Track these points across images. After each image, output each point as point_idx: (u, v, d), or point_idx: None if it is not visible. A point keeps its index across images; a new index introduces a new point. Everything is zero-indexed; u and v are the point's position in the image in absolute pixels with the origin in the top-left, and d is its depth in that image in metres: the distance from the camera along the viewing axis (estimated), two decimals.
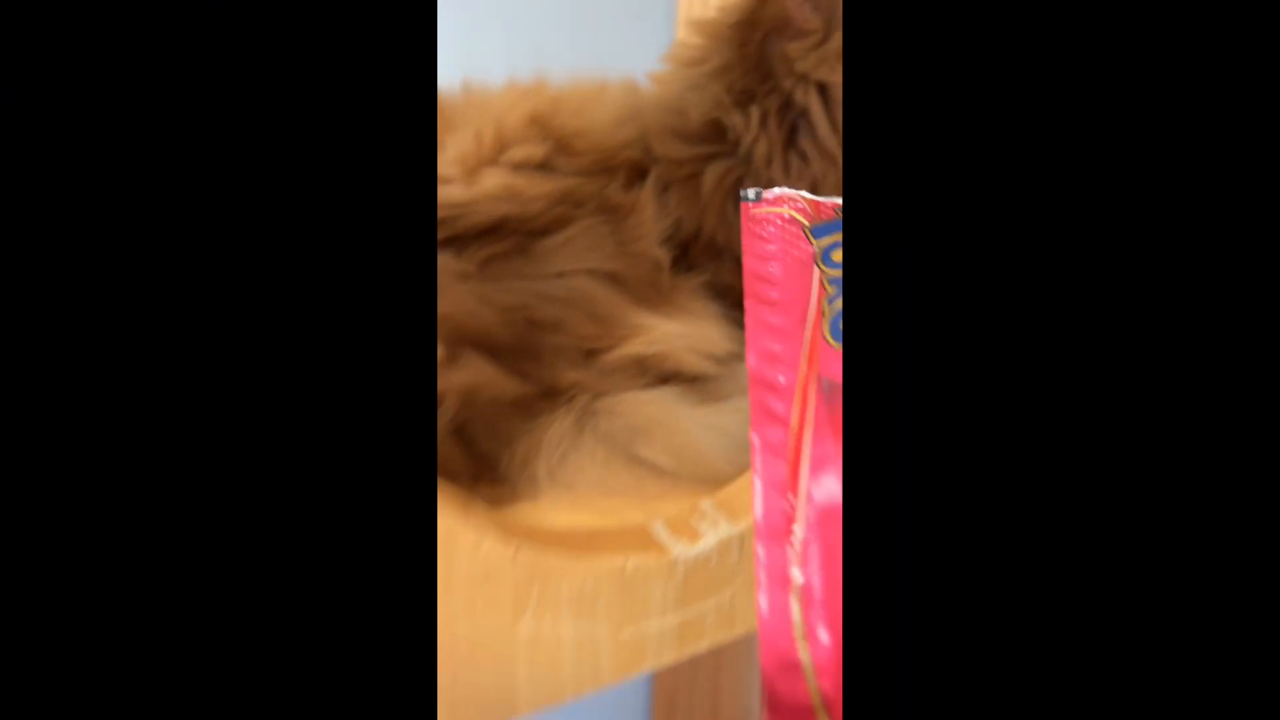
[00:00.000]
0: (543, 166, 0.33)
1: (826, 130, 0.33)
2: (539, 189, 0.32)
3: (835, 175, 0.34)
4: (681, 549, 0.26)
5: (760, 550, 0.24)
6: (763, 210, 0.26)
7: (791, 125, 0.34)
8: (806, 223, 0.26)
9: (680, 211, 0.34)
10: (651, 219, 0.34)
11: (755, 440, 0.24)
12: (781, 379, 0.24)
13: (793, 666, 0.23)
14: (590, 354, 0.31)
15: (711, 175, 0.34)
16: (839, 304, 0.25)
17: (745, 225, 0.26)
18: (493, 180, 0.32)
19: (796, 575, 0.23)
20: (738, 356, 0.31)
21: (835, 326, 0.25)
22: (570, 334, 0.31)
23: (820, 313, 0.25)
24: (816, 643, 0.23)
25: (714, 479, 0.29)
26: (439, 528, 0.21)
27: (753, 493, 0.24)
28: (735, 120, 0.34)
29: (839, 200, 0.27)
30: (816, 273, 0.25)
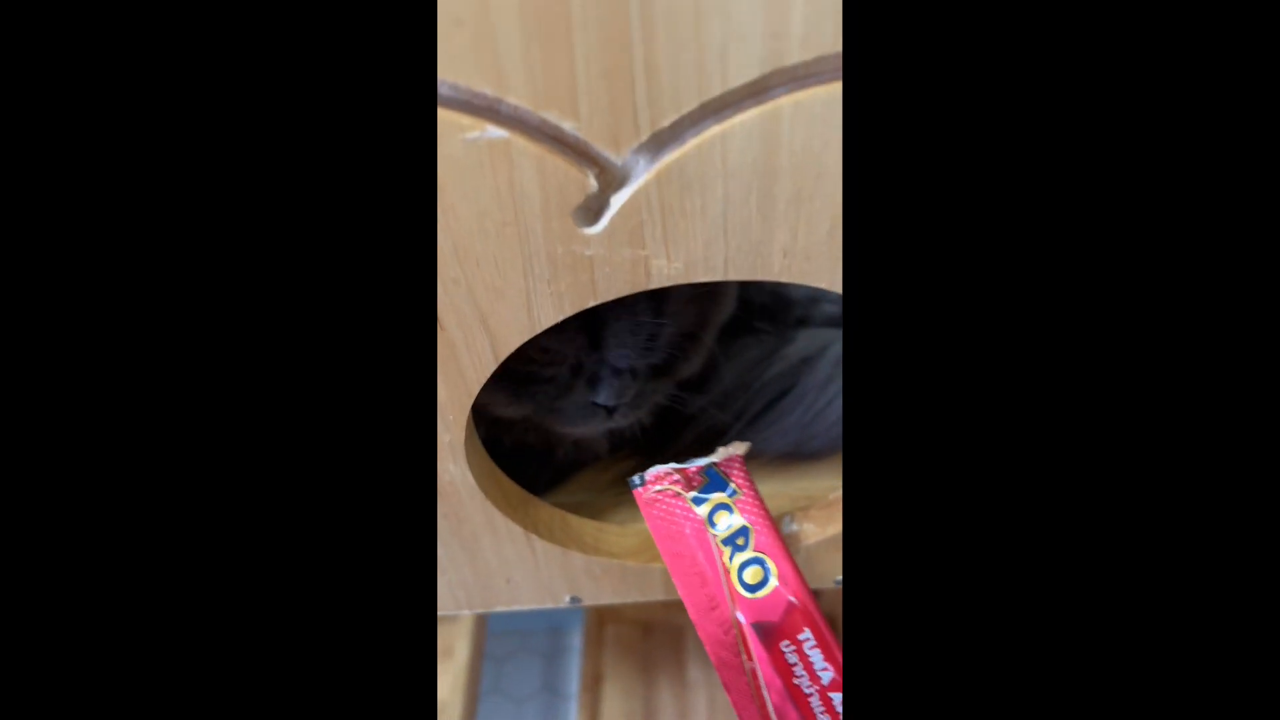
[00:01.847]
0: None
1: None
2: None
3: None
4: None
5: None
6: (649, 493, 0.31)
7: None
8: (686, 494, 0.30)
9: None
10: None
11: (726, 689, 0.27)
12: (723, 632, 0.27)
13: None
14: None
15: None
16: (739, 558, 0.28)
17: (643, 509, 0.31)
18: None
19: None
20: None
21: (742, 579, 0.28)
22: None
23: (726, 570, 0.28)
24: None
25: None
26: None
27: None
28: None
29: (702, 461, 0.31)
30: (710, 536, 0.29)
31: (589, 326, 0.32)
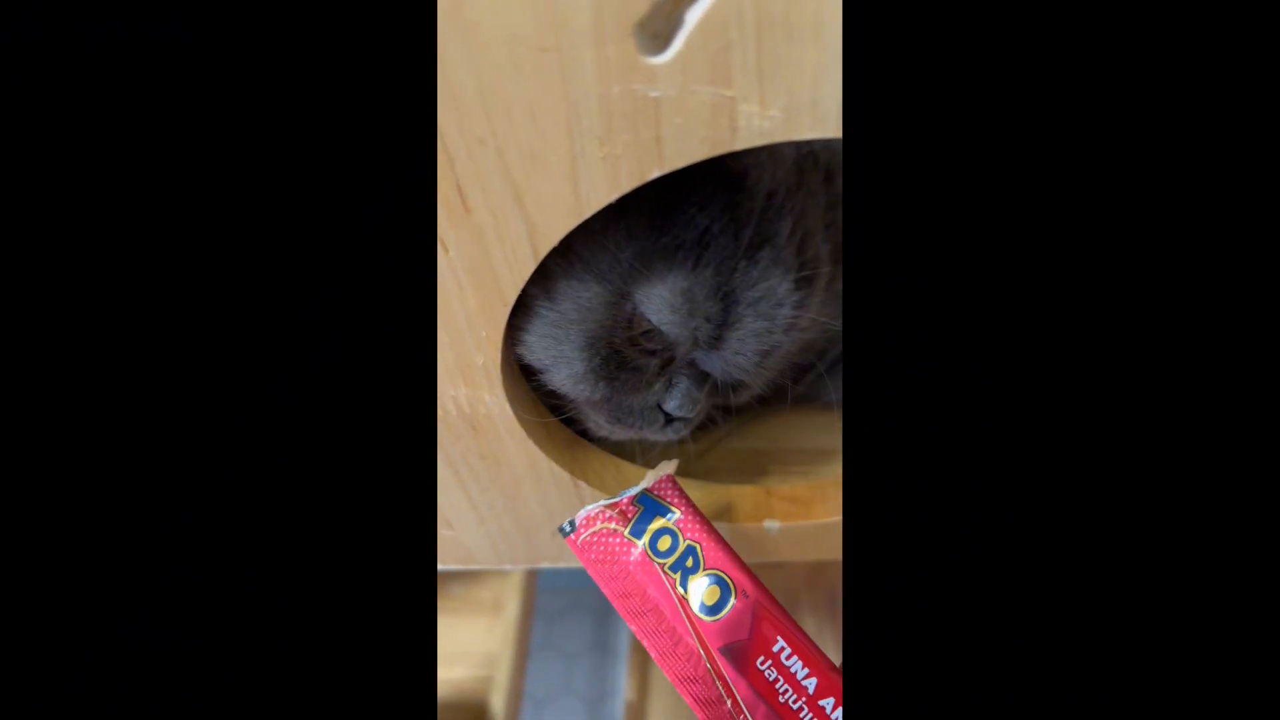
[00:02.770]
0: None
1: None
2: None
3: None
4: None
5: None
6: (583, 536, 0.28)
7: None
8: (622, 528, 0.28)
9: None
10: None
11: None
12: (692, 667, 0.25)
13: None
14: None
15: None
16: (692, 582, 0.26)
17: (579, 556, 0.28)
18: None
19: None
20: None
21: (700, 604, 0.26)
22: None
23: (682, 600, 0.26)
24: None
25: None
26: None
27: None
28: None
29: (633, 491, 0.29)
30: (655, 567, 0.27)
31: (724, 314, 0.27)
